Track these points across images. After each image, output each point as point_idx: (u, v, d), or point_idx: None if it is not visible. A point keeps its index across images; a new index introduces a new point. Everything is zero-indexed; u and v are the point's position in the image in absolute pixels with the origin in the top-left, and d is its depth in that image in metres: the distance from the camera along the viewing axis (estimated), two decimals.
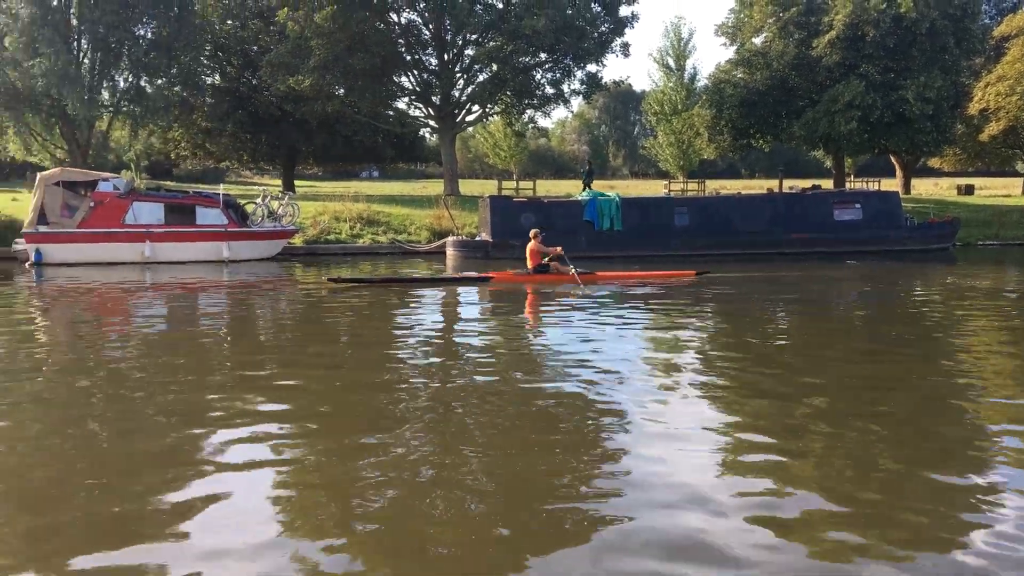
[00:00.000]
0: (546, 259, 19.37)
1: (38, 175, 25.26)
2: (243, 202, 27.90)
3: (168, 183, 39.82)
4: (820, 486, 6.32)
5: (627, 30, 39.76)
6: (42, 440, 7.63)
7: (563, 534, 5.55)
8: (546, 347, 11.80)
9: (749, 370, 10.18)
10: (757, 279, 20.08)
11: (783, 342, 12.45)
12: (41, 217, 23.93)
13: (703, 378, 9.76)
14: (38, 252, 23.56)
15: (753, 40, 41.59)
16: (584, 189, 31.56)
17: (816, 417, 8.11)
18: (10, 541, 5.48)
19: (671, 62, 57.16)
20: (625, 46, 39.92)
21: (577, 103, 65.10)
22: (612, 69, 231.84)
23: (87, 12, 33.89)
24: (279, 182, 50.03)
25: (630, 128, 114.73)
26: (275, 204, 27.42)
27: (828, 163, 50.67)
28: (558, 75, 40.03)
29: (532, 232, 19.89)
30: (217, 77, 44.41)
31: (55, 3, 33.97)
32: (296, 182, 49.72)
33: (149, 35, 36.69)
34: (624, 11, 39.91)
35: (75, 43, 34.99)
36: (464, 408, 8.60)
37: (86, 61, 35.54)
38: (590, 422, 8.06)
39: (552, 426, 7.91)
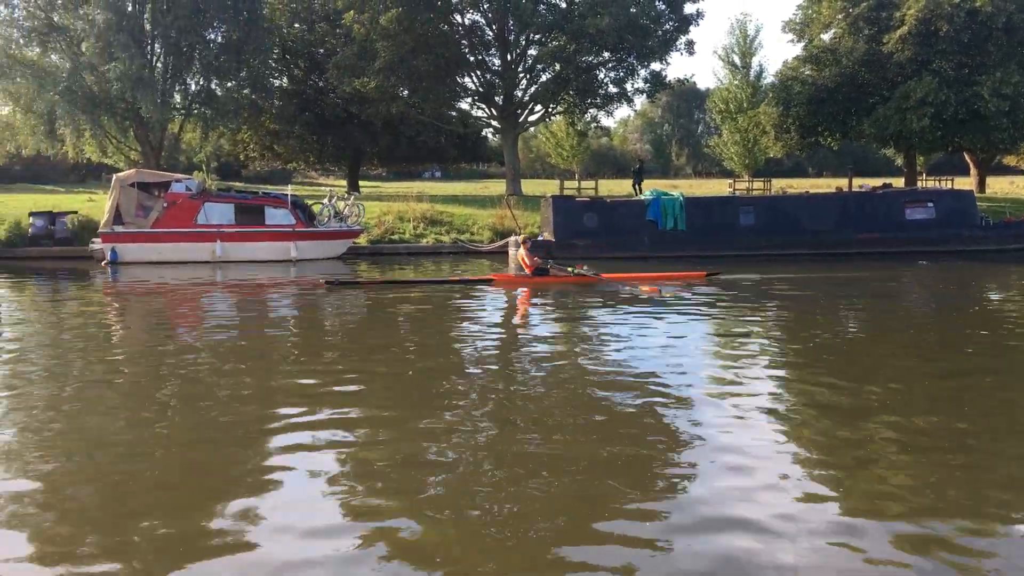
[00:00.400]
0: (548, 265, 19.29)
1: (114, 176, 26.03)
2: (310, 202, 28.37)
3: (237, 184, 40.71)
4: (892, 510, 6.18)
5: (692, 28, 39.35)
6: (122, 434, 7.88)
7: (625, 542, 5.54)
8: (607, 348, 11.75)
9: (817, 379, 10.01)
10: (818, 280, 19.68)
11: (851, 349, 12.18)
12: (117, 217, 24.66)
13: (770, 388, 9.62)
14: (113, 251, 24.28)
15: (821, 36, 40.74)
16: (634, 188, 31.23)
17: (887, 432, 7.92)
18: (93, 531, 5.68)
19: (736, 59, 56.42)
20: (690, 44, 39.48)
21: (640, 102, 64.61)
22: (676, 67, 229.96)
23: (160, 17, 34.83)
24: (344, 183, 50.73)
25: (693, 127, 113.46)
26: (341, 204, 27.83)
27: (899, 161, 49.42)
28: (621, 74, 39.75)
29: (521, 239, 19.98)
30: (285, 80, 45.24)
31: (130, 9, 34.99)
32: (360, 182, 50.36)
33: (219, 39, 37.56)
34: (689, 8, 39.53)
35: (149, 48, 35.98)
36: (526, 410, 8.63)
37: (159, 65, 36.53)
38: (653, 426, 8.01)
39: (613, 422, 7.89)
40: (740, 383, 9.49)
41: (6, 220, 27.07)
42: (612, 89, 40.15)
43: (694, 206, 26.67)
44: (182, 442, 7.60)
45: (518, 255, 19.51)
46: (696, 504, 6.02)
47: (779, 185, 46.90)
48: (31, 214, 27.73)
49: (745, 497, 6.13)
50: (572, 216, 26.28)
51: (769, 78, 53.39)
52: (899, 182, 41.75)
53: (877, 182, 37.11)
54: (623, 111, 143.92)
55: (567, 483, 6.46)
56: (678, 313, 14.60)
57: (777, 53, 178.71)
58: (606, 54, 38.47)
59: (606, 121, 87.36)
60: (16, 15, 34.68)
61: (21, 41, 34.86)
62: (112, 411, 8.70)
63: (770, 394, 9.04)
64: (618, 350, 11.44)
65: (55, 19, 34.94)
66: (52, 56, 35.85)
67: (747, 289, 17.80)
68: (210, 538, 5.54)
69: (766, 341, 12.18)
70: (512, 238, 27.25)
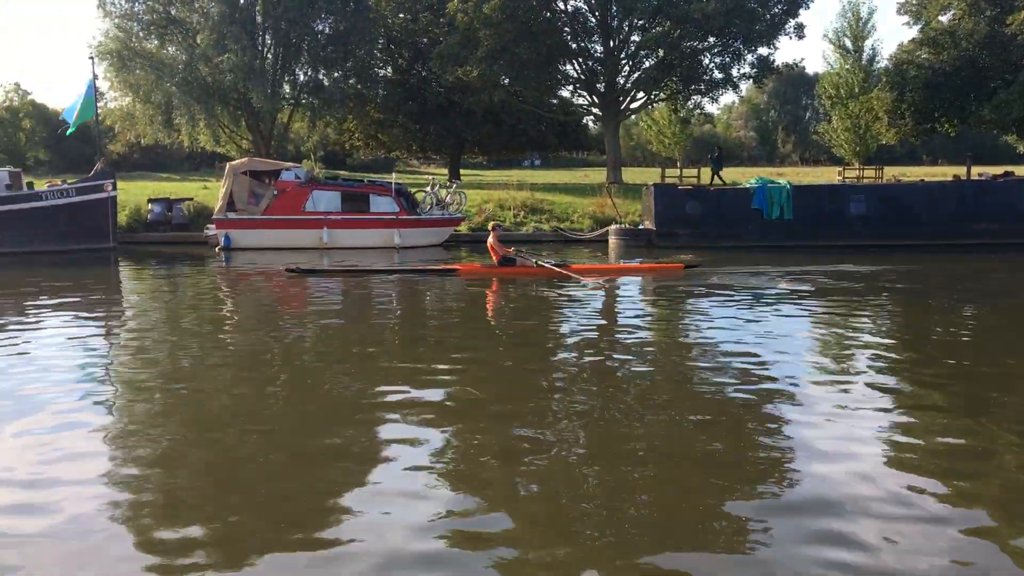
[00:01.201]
0: (515, 254, 18.76)
1: (227, 165, 26.96)
2: (413, 191, 28.78)
3: (343, 172, 41.66)
4: (1005, 511, 5.88)
5: (801, 11, 38.12)
6: (231, 412, 8.16)
7: (724, 540, 5.42)
8: (706, 340, 11.53)
9: (927, 375, 9.61)
10: (932, 273, 18.86)
11: (964, 346, 11.61)
12: (230, 204, 25.54)
13: (878, 385, 9.26)
14: (227, 237, 25.16)
15: (939, 18, 38.97)
16: (712, 177, 30.43)
17: (1000, 430, 7.54)
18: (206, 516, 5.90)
19: (848, 43, 54.32)
20: (799, 27, 38.32)
21: (746, 88, 63.06)
22: (784, 51, 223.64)
23: (271, 9, 35.82)
24: (446, 171, 51.30)
25: (801, 113, 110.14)
26: (443, 192, 28.14)
27: (1021, 148, 46.90)
28: (727, 59, 38.91)
29: (490, 225, 19.26)
30: (389, 70, 45.96)
31: (242, 2, 36.11)
32: (462, 171, 50.83)
33: (327, 30, 38.40)
34: None
35: (260, 39, 37.08)
36: (623, 401, 8.55)
37: (269, 56, 37.62)
38: (753, 419, 7.82)
39: (711, 414, 7.74)
40: (845, 378, 9.17)
41: (127, 206, 28.36)
42: (717, 75, 39.39)
43: (801, 194, 25.90)
44: (290, 423, 7.81)
45: (488, 242, 18.92)
46: (798, 500, 5.85)
47: (891, 173, 45.13)
48: (150, 201, 29.04)
49: (850, 497, 5.92)
50: (674, 205, 25.89)
51: (883, 62, 51.29)
52: (1021, 170, 39.62)
53: (997, 170, 35.32)
54: (728, 97, 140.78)
55: (665, 476, 6.37)
56: (781, 303, 14.23)
57: (892, 36, 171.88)
58: (711, 39, 37.74)
59: (710, 107, 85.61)
60: (136, 9, 36.19)
61: (140, 34, 36.36)
62: (222, 390, 9.02)
63: (876, 388, 8.70)
64: (717, 340, 11.21)
65: (172, 12, 36.35)
66: (169, 48, 37.29)
67: (858, 280, 17.19)
68: (306, 522, 5.67)
69: (874, 335, 11.73)
70: (613, 226, 27.07)
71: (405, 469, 6.51)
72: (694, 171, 39.02)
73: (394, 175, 28.29)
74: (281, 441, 7.28)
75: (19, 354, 10.70)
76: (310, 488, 6.16)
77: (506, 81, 39.26)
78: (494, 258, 18.68)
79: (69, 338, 11.74)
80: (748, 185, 27.16)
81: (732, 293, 15.62)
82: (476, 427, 7.60)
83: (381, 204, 25.90)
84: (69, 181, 26.51)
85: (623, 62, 39.77)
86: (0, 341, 11.47)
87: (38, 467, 6.56)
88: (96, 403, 8.45)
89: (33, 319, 13.61)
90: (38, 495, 6.03)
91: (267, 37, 37.52)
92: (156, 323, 13.62)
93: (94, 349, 11.19)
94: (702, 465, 6.58)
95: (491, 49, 35.78)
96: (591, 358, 10.42)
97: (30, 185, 26.83)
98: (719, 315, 13.32)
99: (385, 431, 7.46)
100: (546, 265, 18.06)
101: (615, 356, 10.55)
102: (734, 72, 39.31)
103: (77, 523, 5.56)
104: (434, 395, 8.54)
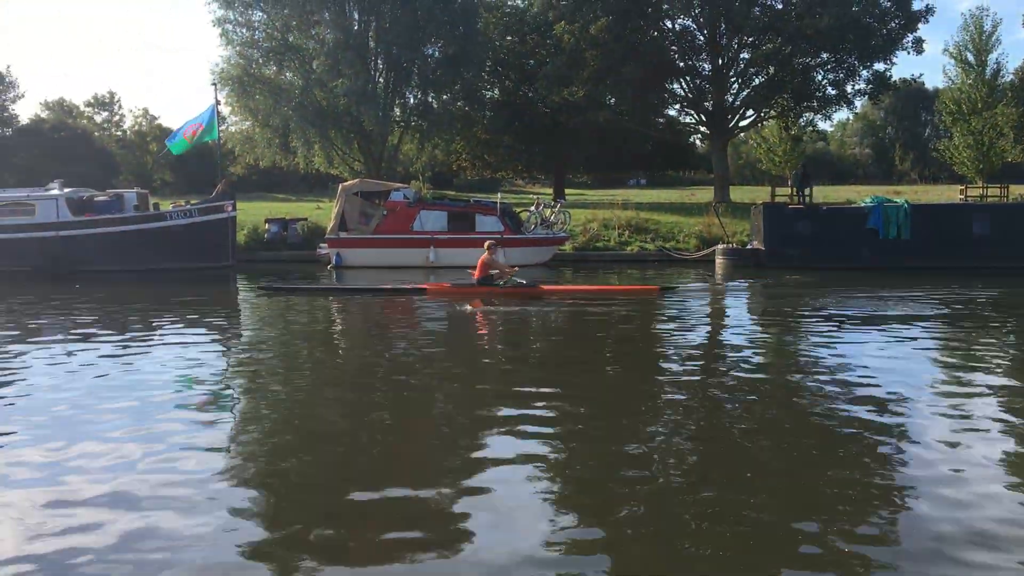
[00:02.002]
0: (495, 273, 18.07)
1: (340, 186, 27.78)
2: (518, 210, 29.02)
3: (450, 192, 42.37)
4: None
5: (920, 25, 36.79)
6: (336, 424, 8.38)
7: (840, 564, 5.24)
8: (815, 361, 11.19)
9: None
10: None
11: None
12: (342, 224, 26.30)
13: (997, 411, 8.82)
14: (338, 256, 25.90)
15: None
16: (799, 196, 29.37)
17: None
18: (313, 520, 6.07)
19: (971, 57, 52.15)
20: (918, 42, 36.97)
21: (861, 104, 61.25)
22: (902, 67, 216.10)
23: (383, 35, 36.85)
24: (550, 190, 51.51)
25: (920, 129, 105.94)
26: (548, 212, 28.28)
27: None
28: (841, 75, 37.89)
29: (486, 244, 18.58)
30: (496, 91, 46.56)
31: (356, 28, 37.29)
32: (566, 190, 50.95)
33: (436, 54, 39.21)
34: (918, 4, 36.92)
35: (372, 64, 38.16)
36: (730, 421, 8.38)
37: (381, 80, 38.66)
38: (872, 447, 7.54)
39: (828, 440, 7.49)
40: (964, 402, 8.75)
41: (245, 226, 29.55)
42: (830, 91, 38.34)
43: (920, 213, 24.92)
44: (391, 438, 7.97)
45: (480, 258, 18.25)
46: (914, 528, 5.60)
47: (1018, 192, 42.93)
48: (267, 221, 30.21)
49: (973, 523, 5.63)
50: (784, 224, 25.31)
51: (1008, 76, 49.05)
52: None
53: None
54: (841, 114, 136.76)
55: (775, 499, 6.20)
56: (898, 326, 13.70)
57: (1017, 49, 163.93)
58: (824, 55, 36.84)
59: (823, 125, 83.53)
60: (256, 37, 37.79)
61: (260, 61, 37.91)
62: (331, 403, 9.29)
63: (998, 417, 8.27)
64: (828, 363, 10.87)
65: (290, 39, 37.79)
66: (287, 74, 38.75)
67: (982, 304, 16.41)
68: (406, 535, 5.76)
69: (999, 363, 11.16)
70: (720, 246, 26.65)
71: (515, 483, 6.55)
72: (806, 190, 37.98)
73: (499, 195, 28.56)
74: (385, 455, 7.44)
75: (144, 361, 11.26)
76: (410, 500, 6.26)
77: (612, 101, 39.23)
78: (476, 275, 18.16)
79: (190, 348, 12.29)
80: (863, 204, 26.33)
81: (846, 315, 15.14)
82: (579, 445, 7.58)
83: (486, 223, 26.21)
84: (192, 202, 27.78)
85: (732, 80, 39.24)
86: (130, 350, 12.12)
87: (148, 470, 6.87)
88: (213, 405, 8.83)
89: (158, 332, 14.31)
90: (148, 500, 6.31)
91: (379, 62, 38.57)
92: (269, 338, 14.13)
93: (211, 359, 11.67)
94: (808, 491, 6.38)
95: (597, 69, 35.85)
96: (698, 377, 10.27)
97: (156, 206, 28.24)
98: (830, 337, 12.92)
99: (489, 448, 7.52)
100: (508, 284, 17.75)
101: (721, 376, 10.36)
102: (848, 88, 38.32)
103: (185, 528, 5.80)
104: (535, 415, 8.54)
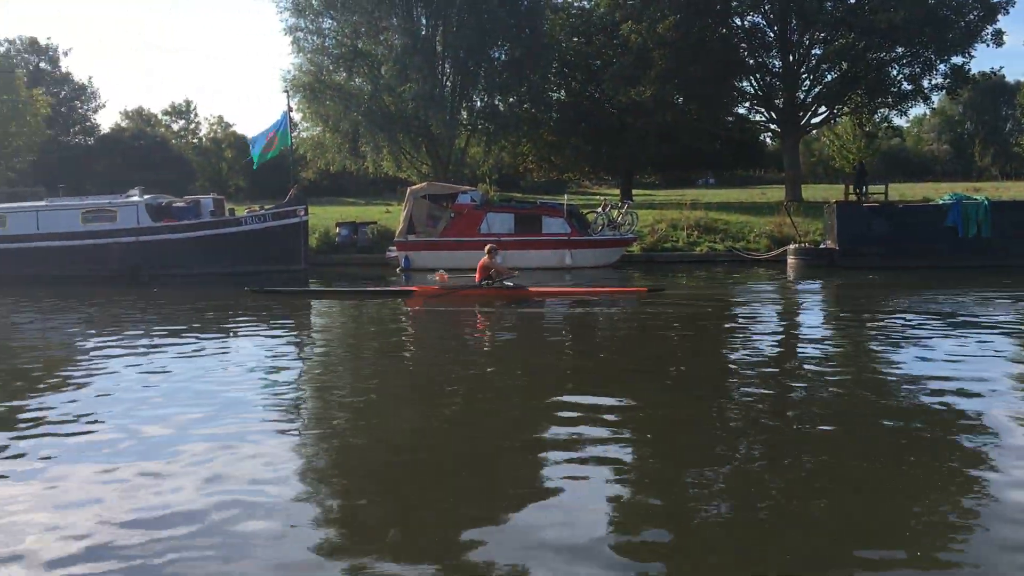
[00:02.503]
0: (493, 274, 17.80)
1: (408, 189, 28.10)
2: (584, 211, 28.94)
3: (516, 194, 42.47)
4: None
5: (1000, 16, 35.58)
6: (406, 429, 8.49)
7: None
8: (895, 363, 10.92)
9: None
10: None
11: None
12: (410, 227, 26.59)
13: None
14: (406, 258, 26.20)
15: None
16: (856, 193, 28.61)
17: None
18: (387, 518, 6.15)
19: None
20: (998, 34, 35.78)
21: (938, 99, 59.48)
22: (981, 60, 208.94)
23: (451, 39, 37.13)
24: (617, 191, 51.21)
25: (1000, 124, 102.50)
26: (615, 213, 28.15)
27: None
28: (917, 69, 36.89)
29: (487, 247, 18.30)
30: (562, 92, 46.46)
31: (424, 33, 37.65)
32: (633, 190, 50.59)
33: (503, 57, 39.34)
34: None
35: (440, 68, 38.48)
36: (807, 423, 8.23)
37: (448, 84, 38.96)
38: (949, 448, 7.33)
39: (906, 451, 7.30)
40: None
41: (316, 230, 30.08)
42: (906, 86, 37.38)
43: (1002, 210, 24.14)
44: (461, 446, 8.04)
45: (480, 261, 18.12)
46: (996, 551, 5.43)
47: None
48: (337, 224, 30.72)
49: None
50: (858, 223, 24.75)
51: None
52: None
53: None
54: (918, 109, 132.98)
55: (849, 507, 6.08)
56: (981, 329, 13.27)
57: None
58: (899, 49, 35.92)
59: (898, 120, 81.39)
60: (327, 44, 38.44)
61: (331, 67, 38.54)
62: (401, 407, 9.40)
63: None
64: (909, 364, 10.60)
65: (359, 46, 38.34)
66: (356, 80, 39.29)
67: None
68: (477, 536, 5.79)
69: None
70: (791, 246, 26.17)
71: (582, 486, 6.55)
72: (881, 187, 37.15)
73: (566, 196, 28.58)
74: (458, 461, 7.51)
75: (219, 360, 11.57)
76: (485, 506, 6.31)
77: (680, 100, 38.85)
78: (477, 277, 18.13)
79: (264, 348, 12.58)
80: (941, 201, 25.62)
81: (924, 316, 14.73)
82: (648, 445, 7.54)
83: (553, 225, 26.21)
84: (266, 207, 28.39)
85: (803, 76, 38.54)
86: (207, 349, 12.46)
87: (224, 469, 7.05)
88: (283, 407, 9.03)
89: (232, 332, 14.69)
90: (225, 497, 6.47)
91: (446, 66, 38.86)
92: (340, 342, 14.37)
93: (282, 362, 11.94)
94: (882, 502, 6.23)
95: (665, 69, 35.54)
96: (768, 381, 10.11)
97: (231, 211, 28.95)
98: (908, 339, 12.58)
99: (556, 449, 7.52)
100: (490, 284, 17.67)
101: (793, 379, 10.19)
102: (925, 83, 37.29)
103: (253, 525, 5.94)
104: (604, 418, 8.51)
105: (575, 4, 45.79)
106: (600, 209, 28.48)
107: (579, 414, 8.55)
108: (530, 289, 18.22)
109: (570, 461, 7.16)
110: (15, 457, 7.58)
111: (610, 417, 8.45)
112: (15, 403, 9.61)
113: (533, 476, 6.89)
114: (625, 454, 7.37)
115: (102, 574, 5.24)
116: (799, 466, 7.02)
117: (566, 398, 9.33)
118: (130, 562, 5.36)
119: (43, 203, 27.26)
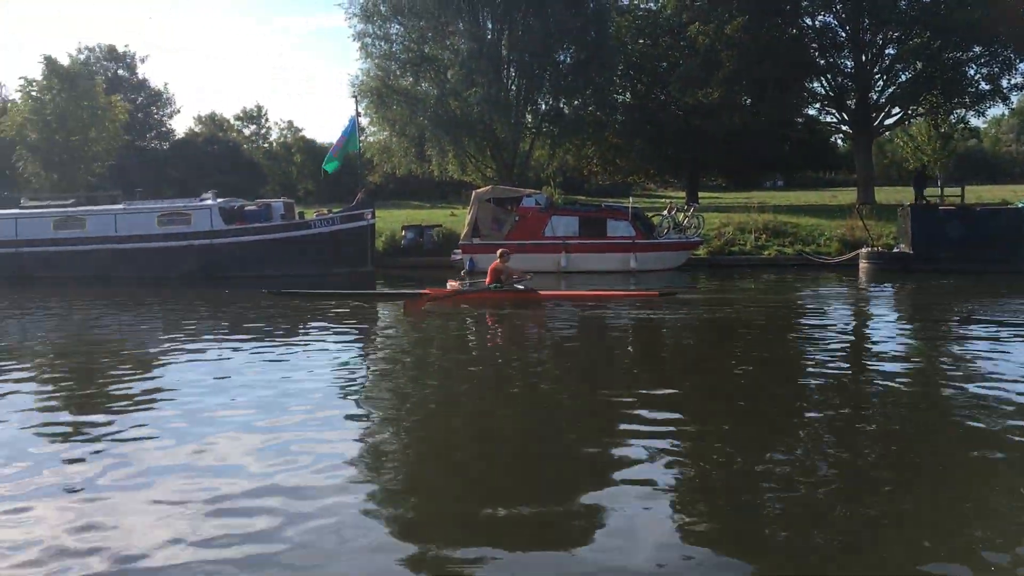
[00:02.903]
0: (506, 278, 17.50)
1: (473, 193, 28.26)
2: (650, 215, 28.75)
3: (581, 197, 42.37)
4: None
5: None
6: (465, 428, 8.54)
7: None
8: (971, 368, 10.60)
9: None
10: None
11: None
12: (475, 230, 26.74)
13: None
14: (471, 261, 26.33)
15: None
16: (916, 197, 27.67)
17: None
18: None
19: None
20: None
21: (1018, 99, 57.66)
22: None
23: (516, 43, 37.24)
24: (683, 194, 50.71)
25: None
26: (680, 216, 27.90)
27: None
28: (995, 69, 35.84)
29: (499, 252, 18.01)
30: (627, 95, 46.18)
31: (490, 37, 37.83)
32: (700, 193, 50.04)
33: (568, 60, 39.29)
34: None
35: (505, 72, 38.62)
36: (870, 426, 8.05)
37: (513, 88, 39.05)
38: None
39: (977, 462, 7.09)
40: None
41: (383, 233, 30.45)
42: (983, 86, 36.34)
43: None
44: (516, 446, 8.07)
45: (491, 265, 17.95)
46: None
47: None
48: (403, 227, 31.07)
49: None
50: (933, 226, 24.12)
51: None
52: None
53: None
54: (996, 110, 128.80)
55: (915, 517, 5.94)
56: None
57: None
58: (977, 48, 34.92)
59: (975, 121, 78.99)
60: (394, 49, 38.90)
61: (397, 72, 38.98)
62: (462, 405, 9.49)
63: None
64: (984, 372, 10.29)
65: (426, 51, 38.70)
66: (422, 84, 39.65)
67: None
68: (540, 532, 5.81)
69: None
70: (863, 250, 25.61)
71: (646, 492, 6.53)
72: (957, 190, 36.11)
73: (631, 199, 28.37)
74: (522, 460, 7.54)
75: (288, 360, 11.81)
76: (556, 503, 6.33)
77: (748, 102, 38.33)
78: (488, 280, 18.01)
79: (331, 352, 12.80)
80: (1020, 204, 24.82)
81: (1003, 322, 14.28)
82: (714, 451, 7.47)
83: (618, 228, 26.09)
84: (334, 211, 28.83)
85: (876, 76, 37.74)
86: (277, 348, 12.73)
87: (285, 470, 7.18)
88: (349, 405, 9.18)
89: (303, 333, 14.99)
90: (287, 499, 6.61)
91: (512, 70, 38.98)
92: (406, 342, 14.54)
93: (352, 365, 12.14)
94: (951, 515, 6.07)
95: (733, 70, 35.14)
96: (839, 387, 9.92)
97: (301, 215, 29.49)
98: (984, 346, 12.21)
99: (619, 453, 7.51)
100: (499, 287, 17.49)
101: (864, 385, 9.98)
102: (1003, 83, 36.17)
103: (322, 525, 6.05)
104: (662, 418, 8.46)
105: (641, 6, 45.52)
106: (666, 212, 28.26)
107: (635, 418, 8.52)
108: (540, 292, 18.17)
109: (633, 471, 7.14)
110: (114, 446, 7.85)
111: (670, 428, 8.40)
112: (97, 400, 9.96)
113: (592, 479, 6.89)
114: (688, 457, 7.33)
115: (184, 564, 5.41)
116: (869, 491, 6.87)
117: (623, 399, 9.30)
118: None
119: (121, 206, 28.13)
